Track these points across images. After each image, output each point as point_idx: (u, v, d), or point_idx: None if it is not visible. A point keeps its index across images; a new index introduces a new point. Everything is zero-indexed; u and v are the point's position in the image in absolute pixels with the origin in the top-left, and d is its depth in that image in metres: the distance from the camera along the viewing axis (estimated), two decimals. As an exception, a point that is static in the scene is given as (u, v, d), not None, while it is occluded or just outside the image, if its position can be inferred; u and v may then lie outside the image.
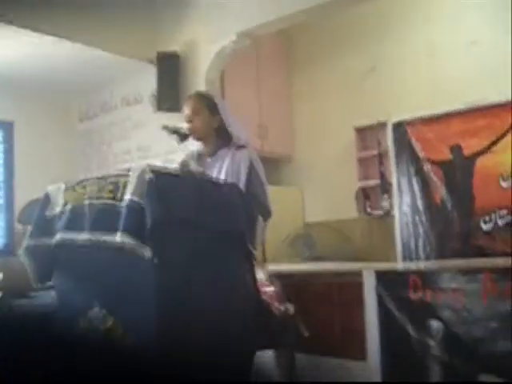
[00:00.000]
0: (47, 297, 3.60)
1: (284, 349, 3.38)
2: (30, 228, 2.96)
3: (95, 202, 2.62)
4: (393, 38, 5.77)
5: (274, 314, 3.16)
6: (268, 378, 3.42)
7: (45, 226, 2.90)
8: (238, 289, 2.83)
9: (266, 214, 3.17)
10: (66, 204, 2.80)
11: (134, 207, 2.43)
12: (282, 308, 3.15)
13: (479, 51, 5.12)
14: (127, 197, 2.46)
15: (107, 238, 2.53)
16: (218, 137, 3.30)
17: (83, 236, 2.66)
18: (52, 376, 2.98)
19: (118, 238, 2.43)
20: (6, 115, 5.93)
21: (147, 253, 2.38)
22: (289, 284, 3.59)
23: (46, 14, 4.74)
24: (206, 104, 3.28)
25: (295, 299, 3.29)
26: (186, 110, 3.29)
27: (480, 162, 4.46)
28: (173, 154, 4.58)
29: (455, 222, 4.56)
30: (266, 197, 3.19)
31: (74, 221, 2.73)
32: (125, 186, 2.50)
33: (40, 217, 2.92)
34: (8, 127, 6.00)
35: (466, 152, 4.53)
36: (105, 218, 2.57)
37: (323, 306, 4.05)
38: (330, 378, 3.80)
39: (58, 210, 2.85)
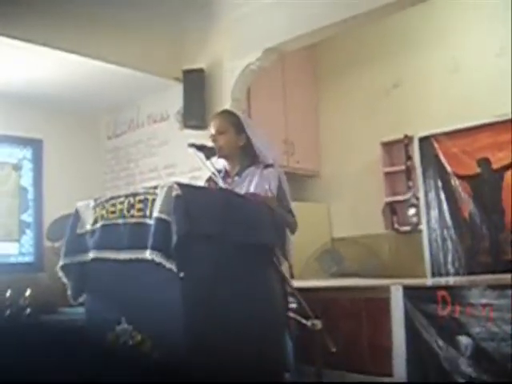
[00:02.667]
0: (75, 313, 3.64)
1: (311, 365, 3.36)
2: (62, 246, 2.99)
3: (128, 220, 2.64)
4: (418, 52, 5.75)
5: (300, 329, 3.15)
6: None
7: (77, 243, 2.92)
8: (266, 302, 2.83)
9: (295, 227, 3.21)
10: (96, 222, 2.82)
11: (161, 224, 2.45)
12: (309, 324, 3.13)
13: (505, 63, 5.08)
14: (155, 214, 2.48)
15: (137, 255, 2.55)
16: (245, 155, 3.29)
17: (118, 255, 2.68)
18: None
19: (148, 255, 2.45)
20: (35, 133, 6.01)
21: (174, 268, 2.40)
22: (316, 299, 3.57)
23: (73, 33, 4.82)
24: (232, 122, 3.28)
25: (322, 315, 3.26)
26: (212, 128, 3.30)
27: (508, 176, 4.42)
28: (198, 171, 4.60)
29: (484, 237, 4.52)
30: (292, 213, 3.21)
31: (107, 239, 2.75)
32: (153, 203, 2.52)
33: (72, 234, 2.95)
34: (37, 145, 6.08)
35: (495, 165, 4.49)
36: (136, 236, 2.59)
37: (350, 322, 4.02)
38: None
39: (88, 227, 2.87)
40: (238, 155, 3.30)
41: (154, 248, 2.44)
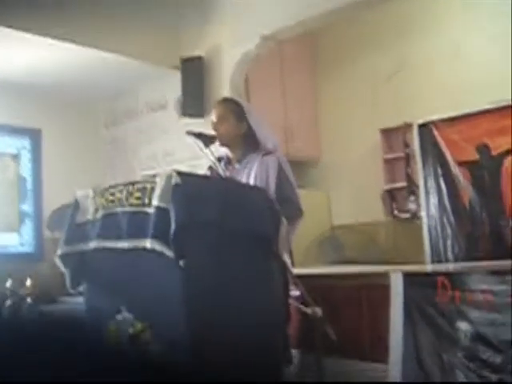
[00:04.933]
0: (76, 302, 3.64)
1: (312, 352, 3.37)
2: (62, 235, 2.99)
3: (127, 209, 2.64)
4: (418, 38, 5.72)
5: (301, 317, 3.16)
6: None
7: (76, 232, 2.93)
8: (266, 291, 2.83)
9: (299, 213, 3.21)
10: (96, 211, 2.83)
11: (161, 213, 2.45)
12: (310, 311, 3.14)
13: (505, 50, 5.06)
14: (154, 203, 2.48)
15: (137, 243, 2.55)
16: (246, 142, 3.29)
17: (119, 244, 2.69)
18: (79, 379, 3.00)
19: (148, 244, 2.45)
20: (33, 123, 6.00)
21: (174, 256, 2.40)
22: (316, 287, 3.57)
23: (70, 23, 4.80)
24: (233, 110, 3.28)
25: (322, 302, 3.27)
26: (213, 116, 3.30)
27: (508, 162, 4.41)
28: (198, 160, 4.60)
29: (484, 223, 4.51)
30: (296, 197, 3.22)
31: (108, 229, 2.76)
32: (152, 192, 2.52)
33: (71, 223, 2.95)
34: (36, 135, 6.07)
35: (494, 151, 4.49)
36: (135, 224, 2.60)
37: (351, 309, 4.03)
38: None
39: (88, 216, 2.87)
40: (239, 143, 3.30)
41: (154, 237, 2.45)
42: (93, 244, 2.83)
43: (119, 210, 2.68)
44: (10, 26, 4.50)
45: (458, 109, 4.74)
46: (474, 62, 5.31)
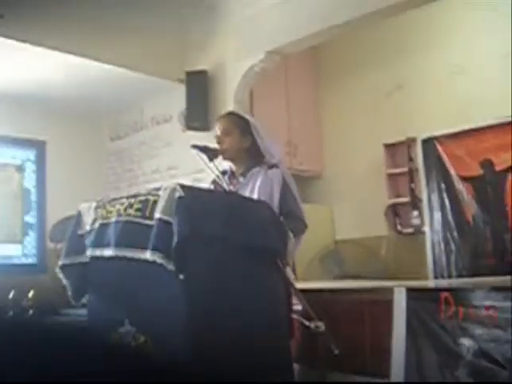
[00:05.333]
0: (78, 314, 3.64)
1: (314, 367, 3.36)
2: (63, 246, 3.00)
3: (121, 218, 2.66)
4: (422, 53, 5.74)
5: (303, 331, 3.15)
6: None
7: (78, 244, 2.94)
8: (269, 305, 2.83)
9: (303, 227, 3.21)
10: (94, 222, 2.85)
11: (163, 225, 2.45)
12: (312, 325, 3.13)
13: (510, 64, 5.07)
14: (157, 215, 2.48)
15: (136, 254, 2.55)
16: (250, 156, 3.29)
17: (108, 252, 2.70)
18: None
19: (149, 255, 2.45)
20: (38, 135, 6.02)
21: (174, 269, 2.40)
22: (319, 301, 3.56)
23: (76, 36, 4.83)
24: (237, 124, 3.28)
25: (325, 317, 3.26)
26: (217, 130, 3.30)
27: (512, 177, 4.41)
28: (201, 173, 4.60)
29: (488, 239, 4.50)
30: (300, 211, 3.22)
31: (101, 237, 2.77)
32: (154, 204, 2.52)
33: (73, 235, 2.97)
34: (41, 147, 6.09)
35: (498, 167, 4.48)
36: (131, 235, 2.60)
37: (353, 324, 4.01)
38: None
39: (87, 227, 2.89)
40: (242, 157, 3.30)
41: (155, 249, 2.44)
42: (88, 253, 2.85)
43: (114, 219, 2.70)
44: (15, 38, 4.53)
45: (461, 124, 4.74)
46: (476, 78, 5.32)
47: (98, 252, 2.79)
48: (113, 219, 2.71)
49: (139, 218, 2.57)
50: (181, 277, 2.41)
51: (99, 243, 2.78)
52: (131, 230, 2.60)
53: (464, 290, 3.41)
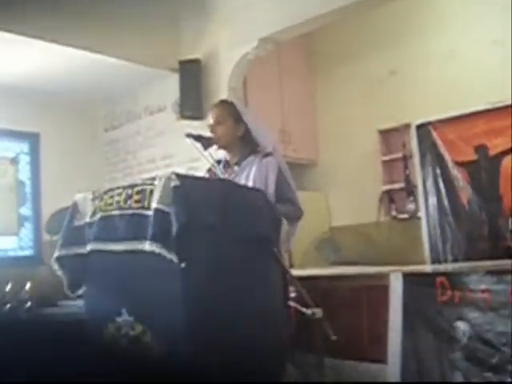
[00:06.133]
0: (75, 306, 3.64)
1: (312, 353, 3.38)
2: (59, 237, 2.99)
3: (124, 212, 2.64)
4: (415, 39, 5.75)
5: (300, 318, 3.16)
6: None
7: (74, 235, 2.92)
8: (266, 292, 2.84)
9: (299, 213, 3.24)
10: (94, 213, 2.82)
11: (160, 215, 2.45)
12: (309, 312, 3.14)
13: (502, 50, 5.07)
14: (154, 205, 2.48)
15: (136, 246, 2.55)
16: (244, 145, 3.29)
17: (115, 246, 2.68)
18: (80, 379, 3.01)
19: (147, 246, 2.45)
20: (32, 127, 5.99)
21: (175, 259, 2.40)
22: (315, 288, 3.57)
23: (69, 26, 4.81)
24: (230, 112, 3.28)
25: (322, 303, 3.28)
26: (210, 119, 3.30)
27: (506, 162, 4.42)
28: (196, 162, 4.60)
29: (483, 223, 4.51)
30: (296, 198, 3.24)
31: (105, 231, 2.75)
32: (151, 194, 2.52)
33: (69, 226, 2.95)
34: (34, 138, 6.07)
35: (492, 152, 4.49)
36: (134, 227, 2.59)
37: (350, 310, 4.03)
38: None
39: (87, 219, 2.87)
40: (236, 145, 3.30)
41: (153, 239, 2.44)
42: (89, 246, 2.82)
43: (117, 212, 2.68)
44: (7, 30, 4.50)
45: (455, 109, 4.74)
46: (470, 63, 5.33)
47: (102, 246, 2.75)
48: (116, 212, 2.69)
49: (140, 210, 2.56)
50: (182, 265, 2.41)
51: (103, 237, 2.76)
52: (134, 222, 2.58)
53: (460, 274, 3.43)
